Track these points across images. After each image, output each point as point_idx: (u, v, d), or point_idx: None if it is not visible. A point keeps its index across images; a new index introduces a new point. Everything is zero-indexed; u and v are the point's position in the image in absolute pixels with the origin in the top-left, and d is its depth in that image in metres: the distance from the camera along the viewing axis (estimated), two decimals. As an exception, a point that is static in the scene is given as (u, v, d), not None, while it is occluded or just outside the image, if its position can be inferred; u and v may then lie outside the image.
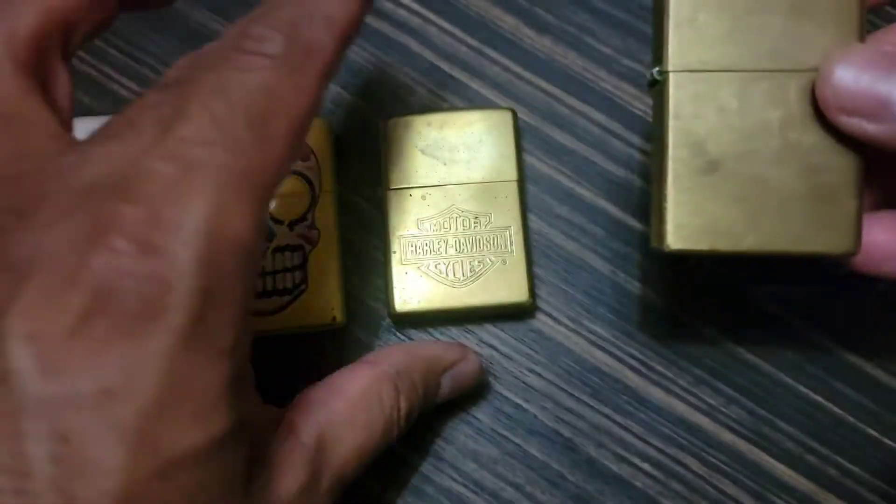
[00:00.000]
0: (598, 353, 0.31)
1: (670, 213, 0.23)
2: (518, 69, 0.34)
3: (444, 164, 0.31)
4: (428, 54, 0.34)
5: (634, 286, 0.32)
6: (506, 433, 0.31)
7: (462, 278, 0.30)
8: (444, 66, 0.34)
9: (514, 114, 0.32)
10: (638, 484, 0.30)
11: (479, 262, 0.30)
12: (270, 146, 0.19)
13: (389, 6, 0.35)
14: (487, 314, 0.31)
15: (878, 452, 0.30)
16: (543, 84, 0.34)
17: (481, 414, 0.31)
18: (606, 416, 0.31)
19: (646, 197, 0.33)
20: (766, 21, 0.22)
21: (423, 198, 0.30)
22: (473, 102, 0.34)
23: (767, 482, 0.30)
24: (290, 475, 0.22)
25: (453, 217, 0.30)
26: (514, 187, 0.31)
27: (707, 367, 0.31)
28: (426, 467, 0.30)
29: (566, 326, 0.32)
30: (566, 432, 0.31)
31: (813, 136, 0.22)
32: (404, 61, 0.34)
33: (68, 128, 0.21)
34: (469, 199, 0.30)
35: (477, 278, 0.30)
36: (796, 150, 0.22)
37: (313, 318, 0.30)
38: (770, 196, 0.22)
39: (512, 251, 0.30)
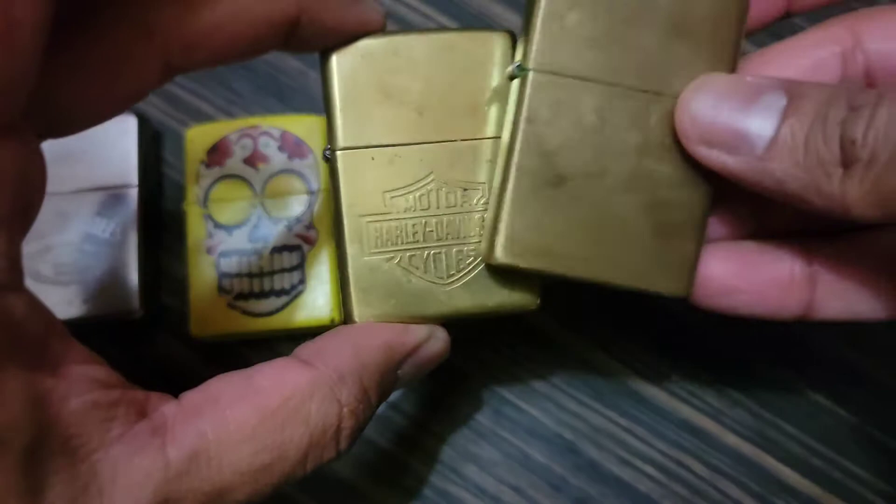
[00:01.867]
0: (601, 355, 0.31)
1: (504, 222, 0.21)
2: (519, 67, 0.34)
3: (419, 112, 0.22)
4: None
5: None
6: (507, 436, 0.30)
7: (447, 274, 0.22)
8: (445, 64, 0.34)
9: (512, 37, 0.23)
10: (641, 487, 0.30)
11: (470, 251, 0.22)
12: None
13: (389, 2, 0.34)
14: (480, 319, 0.23)
15: (883, 455, 0.30)
16: (545, 82, 0.34)
17: (482, 416, 0.30)
18: (609, 419, 0.30)
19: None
20: (641, 34, 0.21)
21: (391, 161, 0.22)
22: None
23: (771, 485, 0.30)
24: (125, 495, 0.17)
25: (434, 189, 0.22)
26: (513, 140, 0.22)
27: (711, 370, 0.31)
28: (426, 471, 0.30)
29: (568, 328, 0.31)
30: (568, 435, 0.30)
31: (667, 168, 0.21)
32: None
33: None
34: (455, 164, 0.22)
35: (467, 274, 0.22)
36: (647, 180, 0.21)
37: (312, 319, 0.29)
38: (612, 225, 0.21)
39: None
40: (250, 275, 0.29)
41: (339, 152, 0.22)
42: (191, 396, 0.19)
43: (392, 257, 0.22)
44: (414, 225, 0.22)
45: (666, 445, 0.30)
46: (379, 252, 0.22)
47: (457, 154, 0.22)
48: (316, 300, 0.29)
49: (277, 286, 0.29)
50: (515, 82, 0.21)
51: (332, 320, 0.29)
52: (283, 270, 0.29)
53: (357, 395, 0.20)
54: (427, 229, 0.22)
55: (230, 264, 0.29)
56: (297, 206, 0.30)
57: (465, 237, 0.22)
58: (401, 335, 0.21)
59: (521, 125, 0.21)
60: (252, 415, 0.18)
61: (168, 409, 0.18)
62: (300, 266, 0.30)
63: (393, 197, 0.22)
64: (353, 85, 0.22)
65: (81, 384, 0.17)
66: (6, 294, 0.16)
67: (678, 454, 0.30)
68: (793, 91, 0.20)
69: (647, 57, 0.21)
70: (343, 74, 0.22)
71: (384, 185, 0.22)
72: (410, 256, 0.22)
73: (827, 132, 0.18)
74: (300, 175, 0.30)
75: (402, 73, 0.22)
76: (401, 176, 0.22)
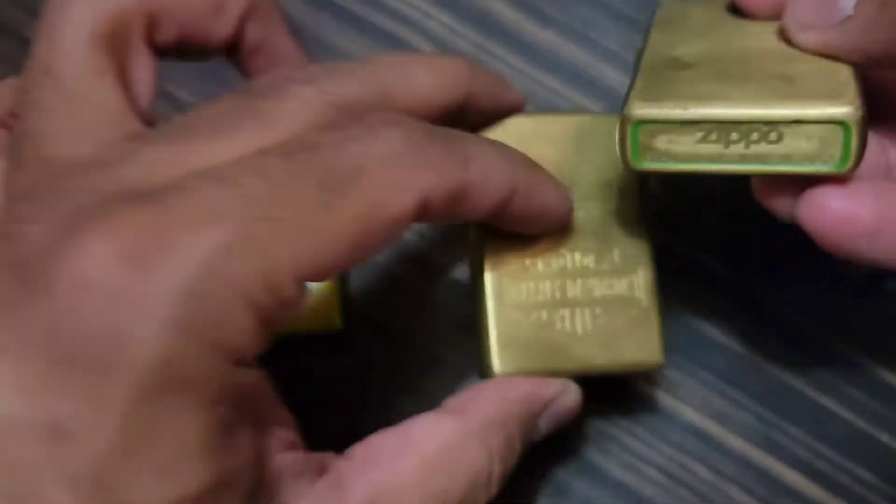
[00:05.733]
0: (604, 357, 0.31)
1: (637, 90, 0.22)
2: (520, 64, 0.33)
3: None
4: (428, 49, 0.34)
5: (640, 288, 0.31)
6: (509, 439, 0.30)
7: (581, 332, 0.24)
8: (445, 62, 0.33)
9: None
10: (644, 491, 0.30)
11: (602, 311, 0.24)
12: (340, 224, 0.17)
13: (390, 2, 0.34)
14: (606, 375, 0.25)
15: (891, 458, 0.30)
16: (546, 79, 0.33)
17: (484, 419, 0.30)
18: (612, 422, 0.30)
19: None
20: None
21: None
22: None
23: (777, 489, 0.30)
24: None
25: (568, 252, 0.24)
26: (637, 213, 0.25)
27: (716, 372, 0.31)
28: (427, 474, 0.30)
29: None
30: (570, 437, 0.30)
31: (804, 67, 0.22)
32: (404, 57, 0.33)
33: (143, 116, 0.20)
34: (586, 230, 0.25)
35: (598, 332, 0.24)
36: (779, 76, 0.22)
37: (311, 324, 0.29)
38: (746, 73, 0.22)
39: (640, 298, 0.24)
40: (249, 278, 0.29)
41: None
42: (356, 451, 0.21)
43: (531, 314, 0.24)
44: (551, 284, 0.24)
45: (670, 449, 0.30)
46: (518, 309, 0.24)
47: (588, 219, 0.25)
48: (315, 304, 0.29)
49: (276, 289, 0.29)
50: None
51: (332, 324, 0.29)
52: (281, 273, 0.29)
53: (504, 441, 0.22)
54: (564, 291, 0.24)
55: (228, 267, 0.29)
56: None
57: (596, 297, 0.24)
58: (539, 387, 0.23)
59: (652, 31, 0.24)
60: (416, 464, 0.20)
61: (340, 464, 0.20)
62: (299, 268, 0.29)
63: (531, 256, 0.24)
64: None
65: (282, 444, 0.19)
66: (249, 369, 0.17)
67: (682, 458, 0.30)
68: None
69: None
70: None
71: (523, 245, 0.24)
72: (549, 314, 0.24)
73: None
74: (299, 176, 0.30)
75: (542, 150, 0.24)
76: (538, 238, 0.24)
